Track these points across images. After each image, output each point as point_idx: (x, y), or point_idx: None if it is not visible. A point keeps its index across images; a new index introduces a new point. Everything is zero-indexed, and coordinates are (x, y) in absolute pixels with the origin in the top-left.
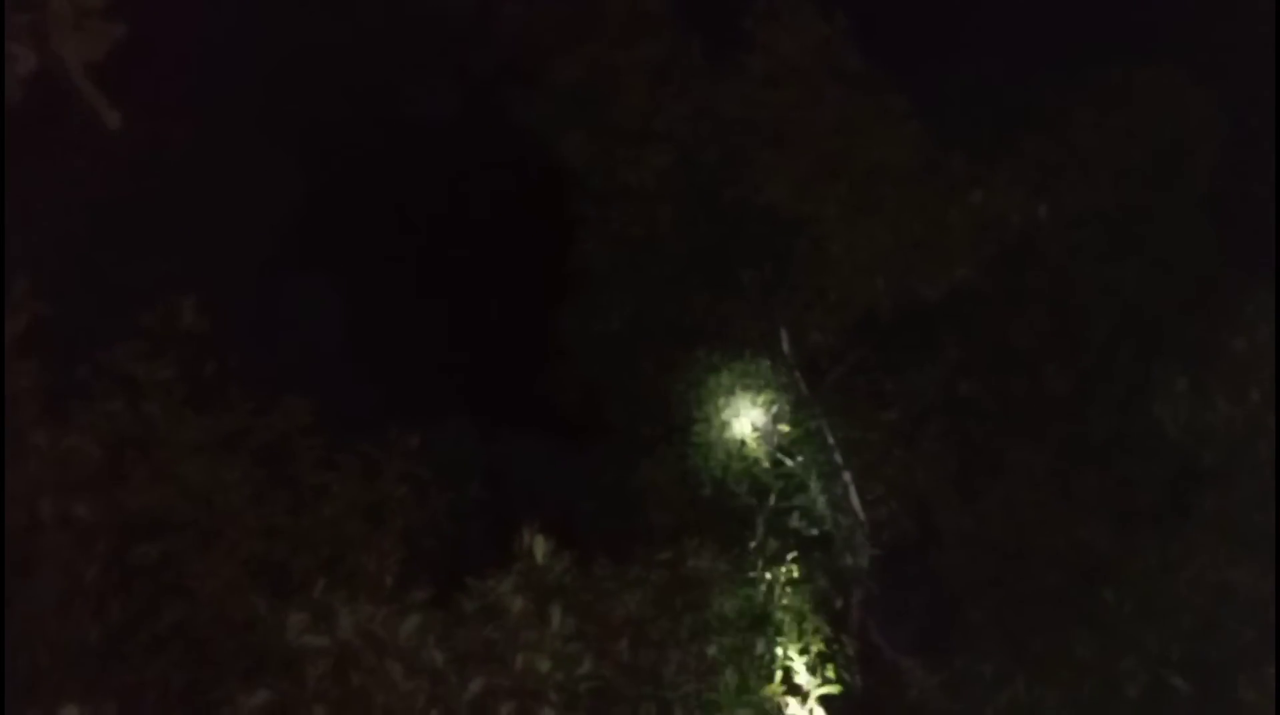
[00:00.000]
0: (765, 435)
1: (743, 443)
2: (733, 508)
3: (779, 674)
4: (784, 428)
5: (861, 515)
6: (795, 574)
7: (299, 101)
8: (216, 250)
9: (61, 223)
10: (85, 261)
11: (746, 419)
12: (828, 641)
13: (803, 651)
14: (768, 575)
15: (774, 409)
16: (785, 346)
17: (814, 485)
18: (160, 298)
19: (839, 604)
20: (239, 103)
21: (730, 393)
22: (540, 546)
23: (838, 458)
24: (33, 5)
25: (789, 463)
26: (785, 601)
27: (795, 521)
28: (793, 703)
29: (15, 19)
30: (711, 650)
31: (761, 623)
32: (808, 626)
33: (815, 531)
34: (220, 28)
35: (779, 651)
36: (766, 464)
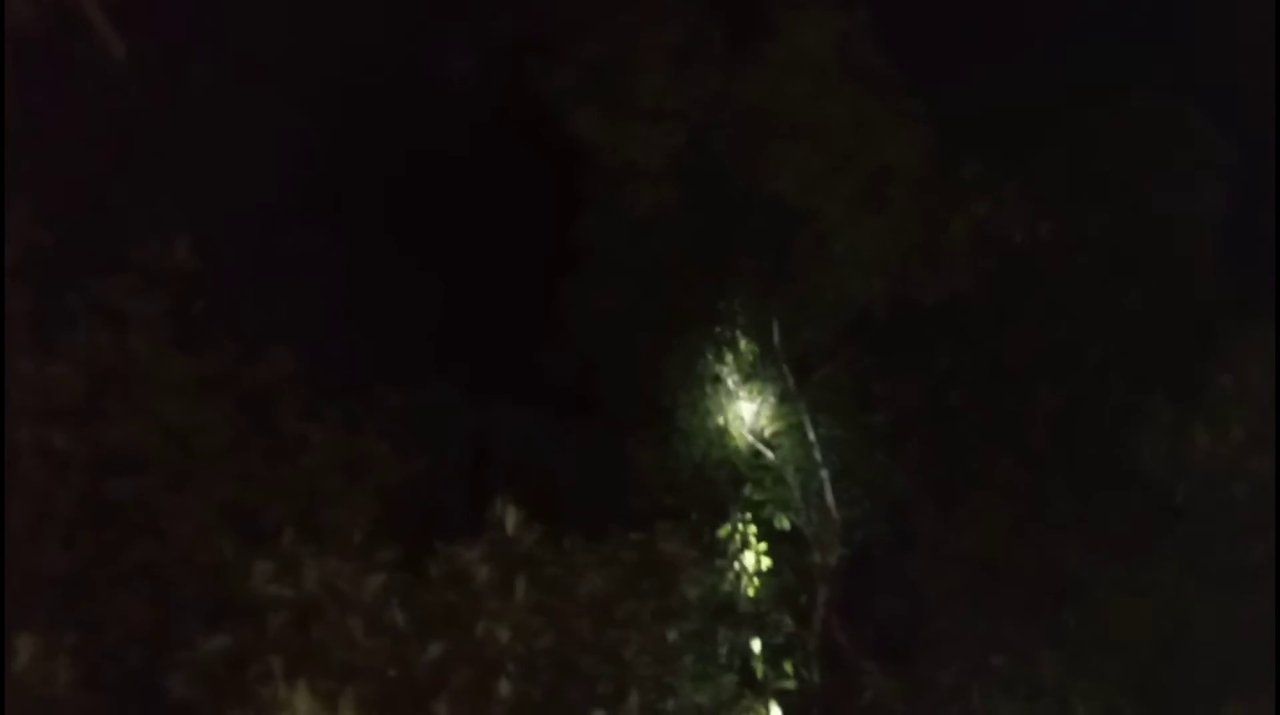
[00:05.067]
0: (747, 425)
1: (725, 430)
2: (709, 495)
3: (737, 664)
4: (766, 419)
5: (835, 514)
6: (763, 566)
7: (313, 49)
8: (217, 192)
9: (63, 151)
10: (84, 191)
11: (730, 407)
12: (789, 636)
13: (764, 644)
14: (736, 564)
15: (759, 400)
16: (776, 339)
17: (791, 479)
18: (156, 234)
19: (803, 600)
20: (252, 47)
21: (717, 380)
22: (512, 517)
23: (817, 455)
24: None
25: (768, 455)
26: (751, 592)
27: (768, 513)
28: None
29: None
30: (672, 635)
31: (725, 611)
32: (770, 619)
33: (787, 525)
34: None
35: (740, 642)
36: (746, 454)
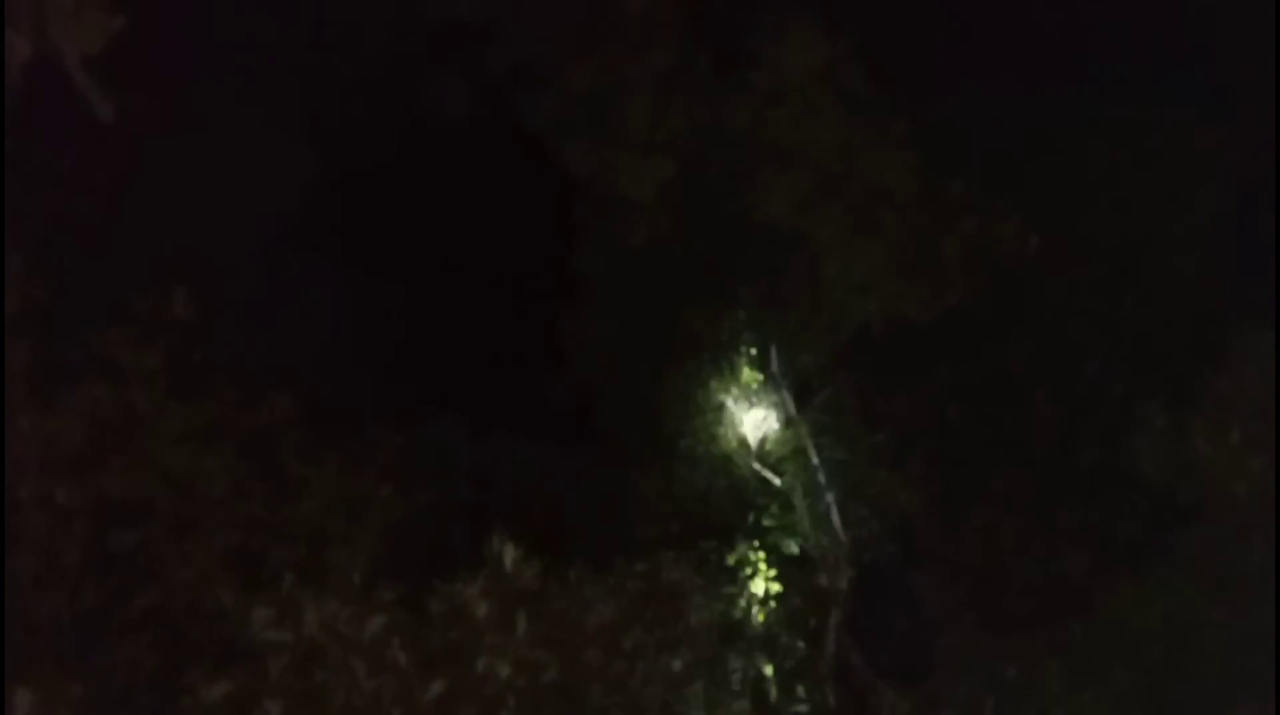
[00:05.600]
0: (752, 451)
1: (729, 458)
2: (715, 522)
3: (750, 689)
4: (770, 444)
5: (843, 536)
6: (773, 591)
7: (303, 93)
8: (212, 241)
9: (57, 208)
10: (79, 246)
11: (733, 434)
12: (801, 659)
13: (776, 668)
14: (745, 590)
15: (762, 426)
16: (775, 364)
17: (798, 503)
18: (153, 285)
19: (813, 623)
20: (241, 94)
21: (719, 407)
22: (509, 553)
23: (822, 477)
24: None
25: (774, 480)
26: (761, 617)
27: (776, 538)
28: None
29: (15, 8)
30: (677, 663)
31: (734, 637)
32: (782, 643)
33: (795, 550)
34: (225, 20)
35: (752, 667)
36: (752, 480)
